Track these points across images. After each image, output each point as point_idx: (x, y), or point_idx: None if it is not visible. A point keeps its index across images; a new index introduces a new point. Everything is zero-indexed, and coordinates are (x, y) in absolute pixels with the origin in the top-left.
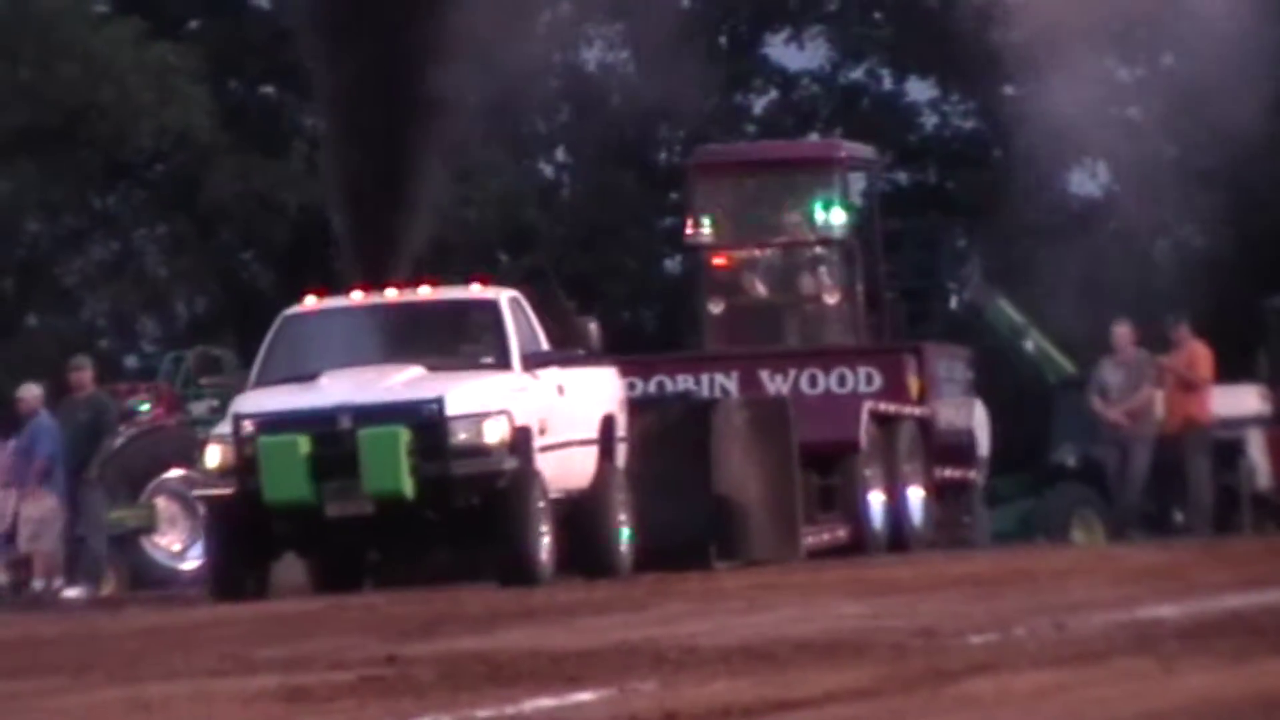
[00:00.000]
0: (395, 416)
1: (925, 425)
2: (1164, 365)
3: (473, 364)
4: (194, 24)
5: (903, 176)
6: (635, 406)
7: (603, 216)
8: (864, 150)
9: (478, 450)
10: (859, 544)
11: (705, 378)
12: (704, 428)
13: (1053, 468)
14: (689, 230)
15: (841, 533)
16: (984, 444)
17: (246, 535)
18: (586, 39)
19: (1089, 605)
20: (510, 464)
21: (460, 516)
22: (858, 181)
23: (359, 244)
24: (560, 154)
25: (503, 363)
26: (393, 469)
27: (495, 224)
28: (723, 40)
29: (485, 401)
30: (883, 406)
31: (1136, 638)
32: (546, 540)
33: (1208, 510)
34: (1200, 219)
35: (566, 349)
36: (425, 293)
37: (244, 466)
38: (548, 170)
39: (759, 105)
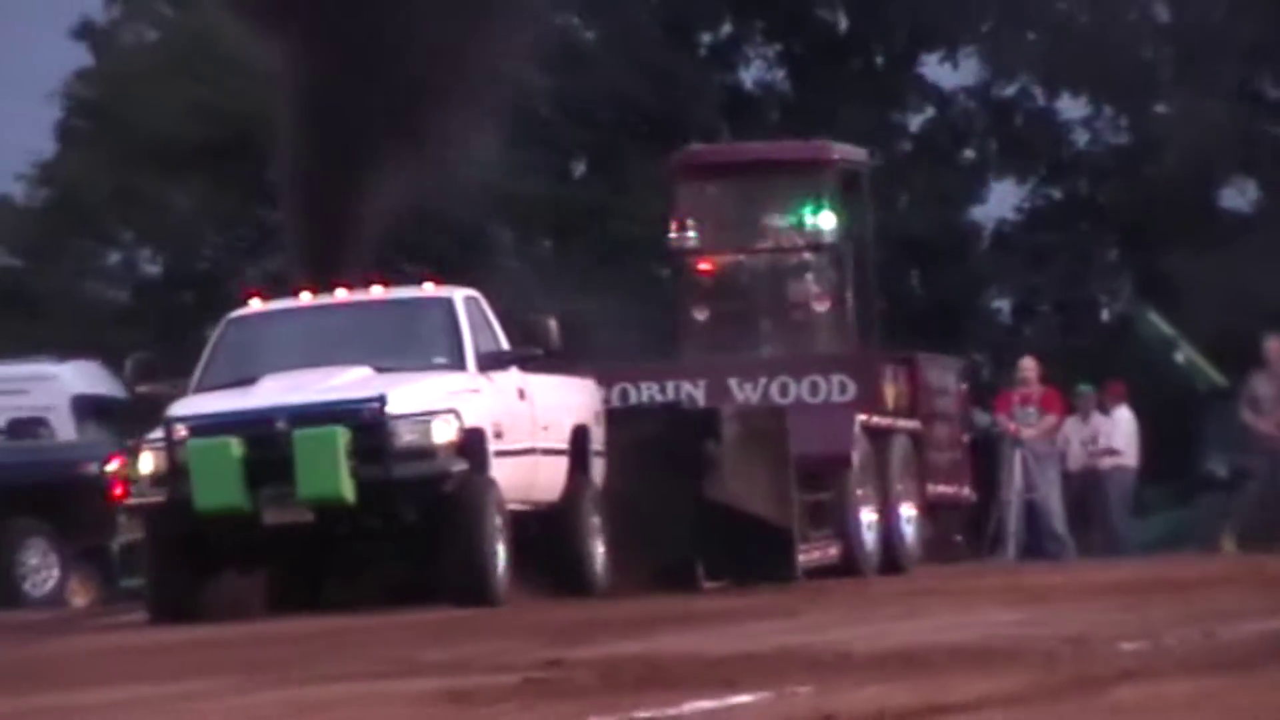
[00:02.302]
0: (333, 417)
1: (918, 439)
2: None
3: (424, 364)
4: None
5: (1056, 191)
6: (616, 417)
7: None
8: (856, 152)
9: (423, 452)
10: (850, 563)
11: (670, 385)
12: (693, 440)
13: (1203, 478)
14: (672, 234)
15: (833, 551)
16: (1133, 454)
17: (182, 548)
18: (745, 59)
19: (1238, 614)
20: (459, 467)
21: (407, 524)
22: (850, 184)
23: (307, 243)
24: None
25: (456, 363)
26: (330, 472)
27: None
28: (879, 59)
29: (431, 401)
30: (875, 419)
31: None
32: (502, 550)
33: None
34: None
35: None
36: (376, 293)
37: (176, 473)
38: None
39: (915, 123)
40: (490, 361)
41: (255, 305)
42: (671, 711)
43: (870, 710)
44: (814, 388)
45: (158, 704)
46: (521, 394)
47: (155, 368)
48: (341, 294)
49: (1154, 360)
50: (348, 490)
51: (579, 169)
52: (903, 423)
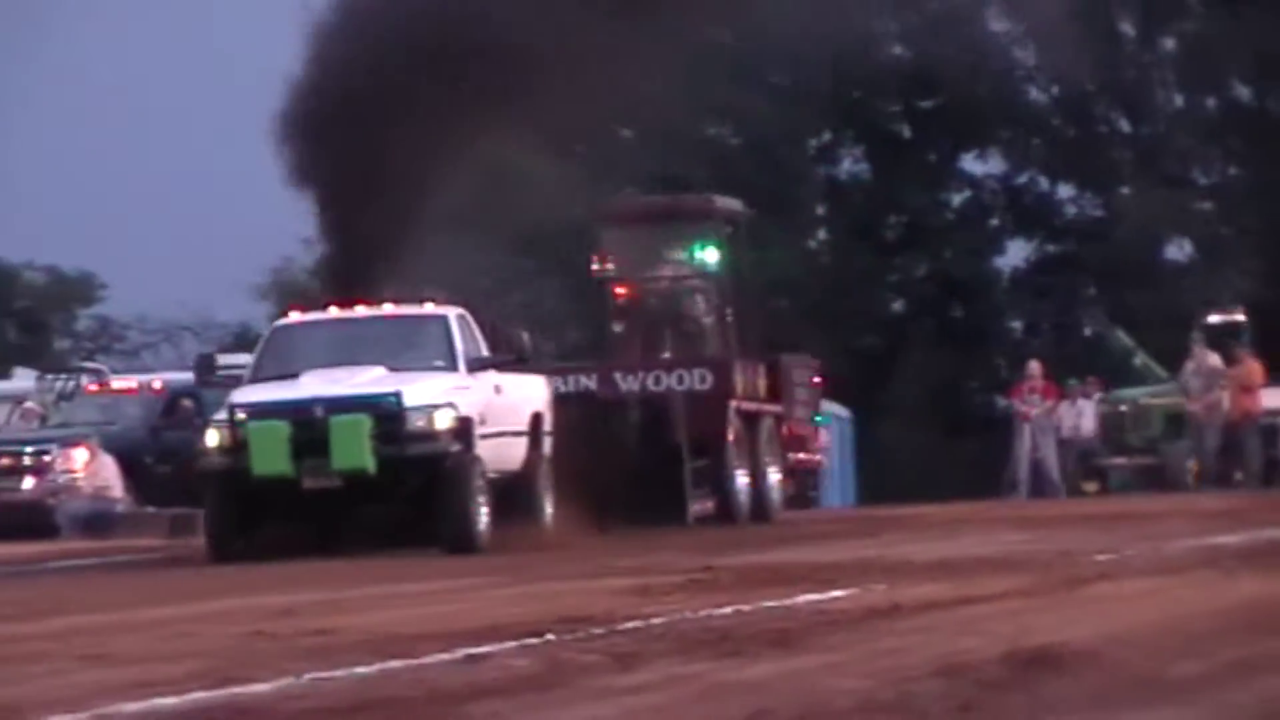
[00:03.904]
0: (361, 406)
1: (780, 420)
2: (1229, 374)
3: (425, 366)
4: None
5: (1052, 248)
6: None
7: (848, 274)
8: (734, 204)
9: (429, 436)
10: (727, 514)
11: (571, 379)
12: (606, 419)
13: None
14: (596, 266)
15: (709, 504)
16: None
17: (239, 505)
18: (839, 157)
19: (1177, 535)
20: (455, 448)
21: (413, 491)
22: (733, 228)
23: (338, 271)
24: (821, 233)
25: (450, 366)
26: (358, 449)
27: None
28: (931, 156)
29: (436, 395)
30: (745, 405)
31: (1208, 557)
32: (485, 513)
33: (1258, 473)
34: (1251, 276)
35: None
36: (388, 309)
37: (236, 446)
38: (812, 244)
39: (955, 200)
40: (476, 364)
41: (294, 316)
42: (788, 601)
43: (926, 600)
44: (680, 379)
45: (461, 591)
46: (498, 389)
47: (214, 366)
48: (361, 309)
49: (1119, 363)
50: (370, 464)
51: None
52: (768, 407)
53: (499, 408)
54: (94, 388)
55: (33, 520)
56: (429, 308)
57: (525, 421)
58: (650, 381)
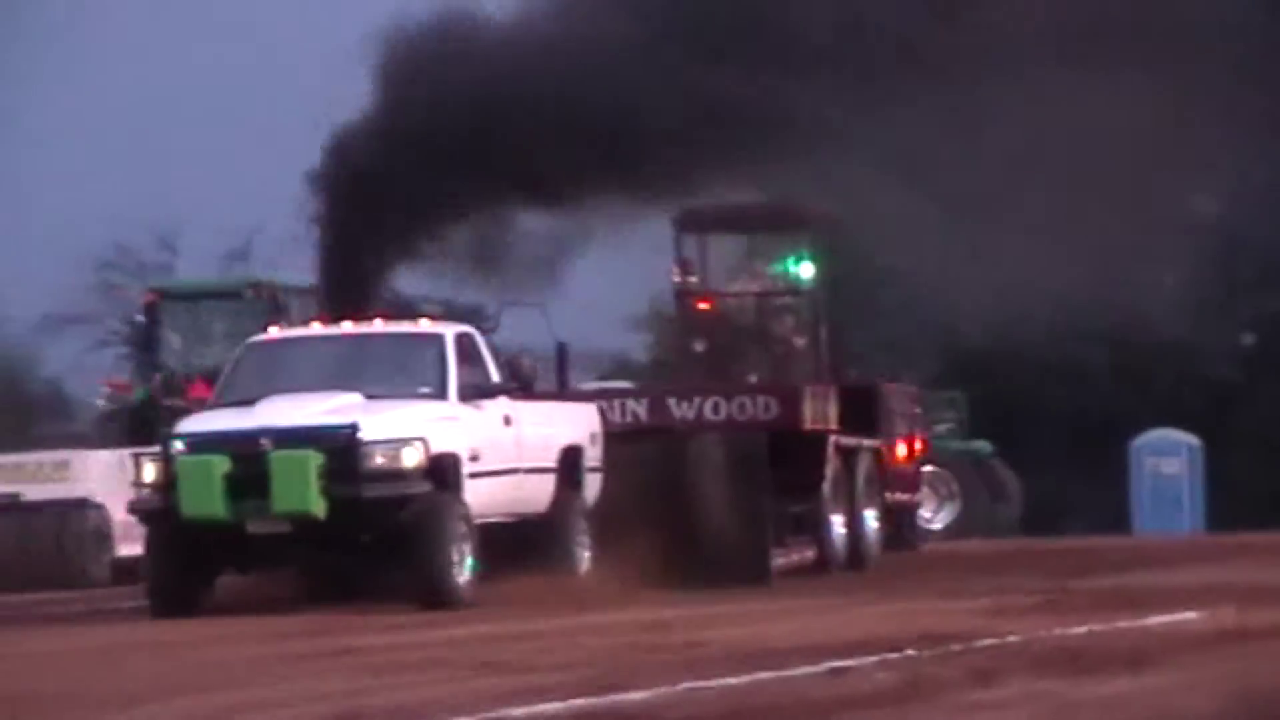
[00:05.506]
0: (310, 440)
1: (879, 455)
2: None
3: (410, 393)
4: None
5: None
6: (614, 439)
7: (1200, 306)
8: (828, 211)
9: (392, 474)
10: (823, 563)
11: (618, 404)
12: (679, 461)
13: None
14: (675, 277)
15: (809, 554)
16: None
17: (177, 550)
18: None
19: None
20: (424, 488)
21: (378, 537)
22: (827, 238)
23: (330, 282)
24: None
25: (439, 393)
26: (302, 489)
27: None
28: None
29: (403, 428)
30: (844, 440)
31: None
32: (466, 562)
33: None
34: None
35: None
36: (377, 326)
37: (170, 484)
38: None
39: None
40: (474, 392)
41: (273, 332)
42: (1140, 622)
43: (1278, 625)
44: (741, 408)
45: (824, 609)
46: (507, 420)
47: (177, 385)
48: (347, 326)
49: None
50: (318, 506)
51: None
52: (868, 441)
53: (507, 441)
54: None
55: None
56: (424, 325)
57: (552, 457)
58: (709, 409)
